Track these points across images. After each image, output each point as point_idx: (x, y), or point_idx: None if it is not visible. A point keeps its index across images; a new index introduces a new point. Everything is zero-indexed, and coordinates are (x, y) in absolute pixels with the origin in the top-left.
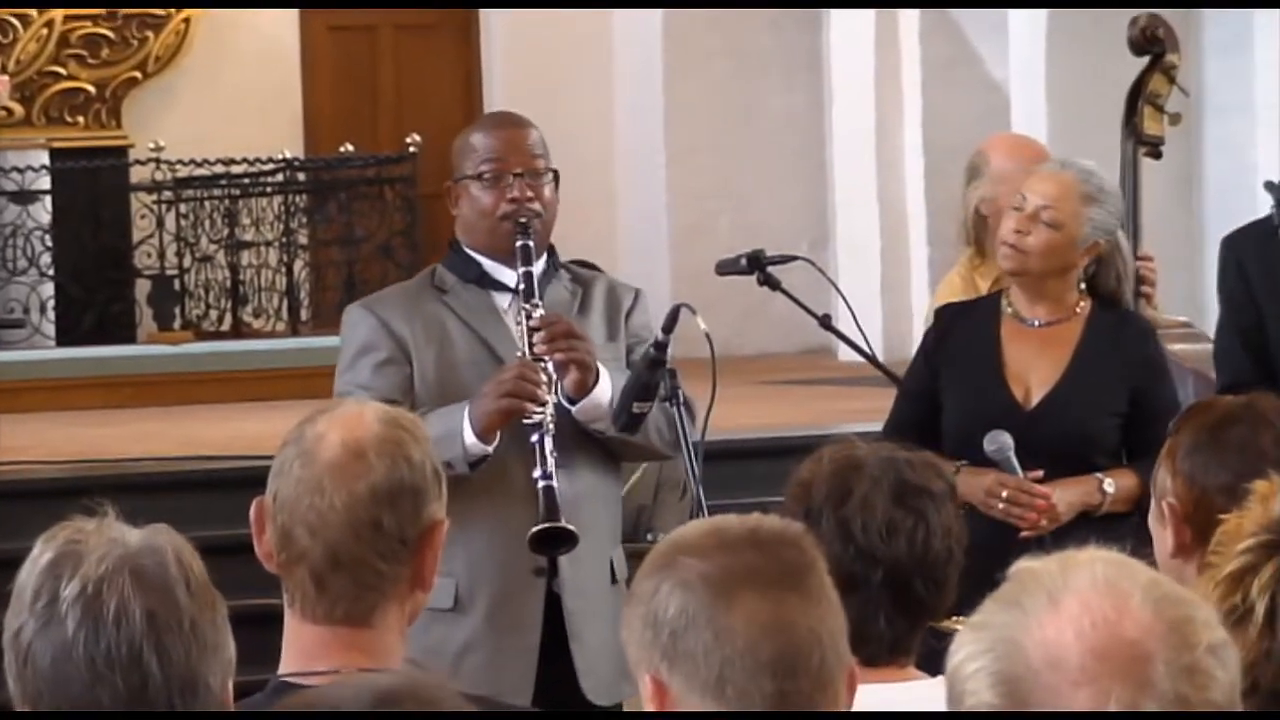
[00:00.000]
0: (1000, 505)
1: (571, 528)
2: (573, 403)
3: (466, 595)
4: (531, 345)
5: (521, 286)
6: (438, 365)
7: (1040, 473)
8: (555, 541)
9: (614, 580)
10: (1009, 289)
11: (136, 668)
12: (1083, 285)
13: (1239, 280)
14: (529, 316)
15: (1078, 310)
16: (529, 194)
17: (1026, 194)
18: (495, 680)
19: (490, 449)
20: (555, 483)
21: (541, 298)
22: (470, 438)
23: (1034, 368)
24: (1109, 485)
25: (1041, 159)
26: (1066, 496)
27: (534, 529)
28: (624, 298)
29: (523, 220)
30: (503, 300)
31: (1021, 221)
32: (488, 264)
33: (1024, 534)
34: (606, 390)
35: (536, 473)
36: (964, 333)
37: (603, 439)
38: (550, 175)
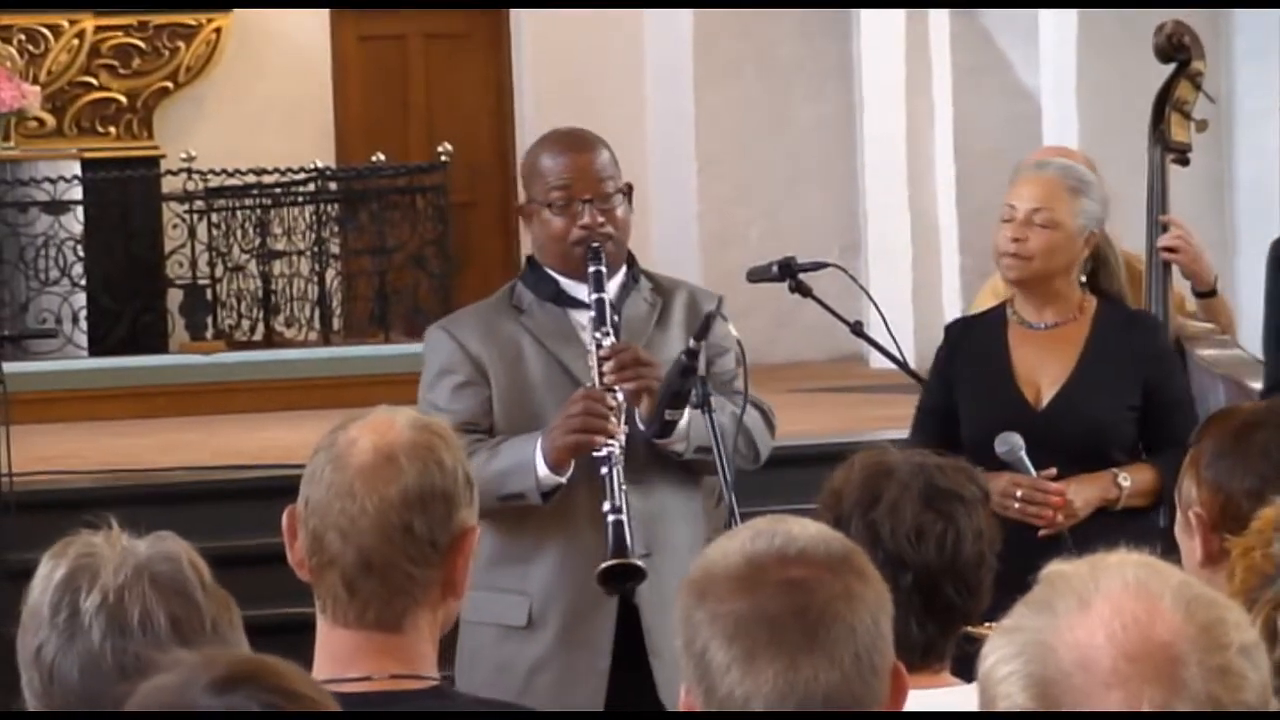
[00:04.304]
0: (1016, 505)
1: (639, 563)
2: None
3: (539, 614)
4: (601, 375)
5: (593, 314)
6: (512, 386)
7: (1054, 471)
8: (623, 576)
9: None
10: (1013, 297)
11: None
12: (1083, 279)
13: None
14: (599, 345)
15: (1083, 308)
16: (600, 219)
17: (1014, 202)
18: (565, 699)
19: (564, 479)
20: (625, 516)
21: (620, 312)
22: (543, 469)
23: (1043, 369)
24: (1124, 480)
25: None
26: (1083, 493)
27: (601, 565)
28: (705, 308)
29: (595, 245)
30: (580, 317)
31: (1017, 229)
32: (564, 282)
33: (1042, 533)
34: (683, 414)
35: (606, 505)
36: (973, 345)
37: (681, 460)
38: (621, 194)
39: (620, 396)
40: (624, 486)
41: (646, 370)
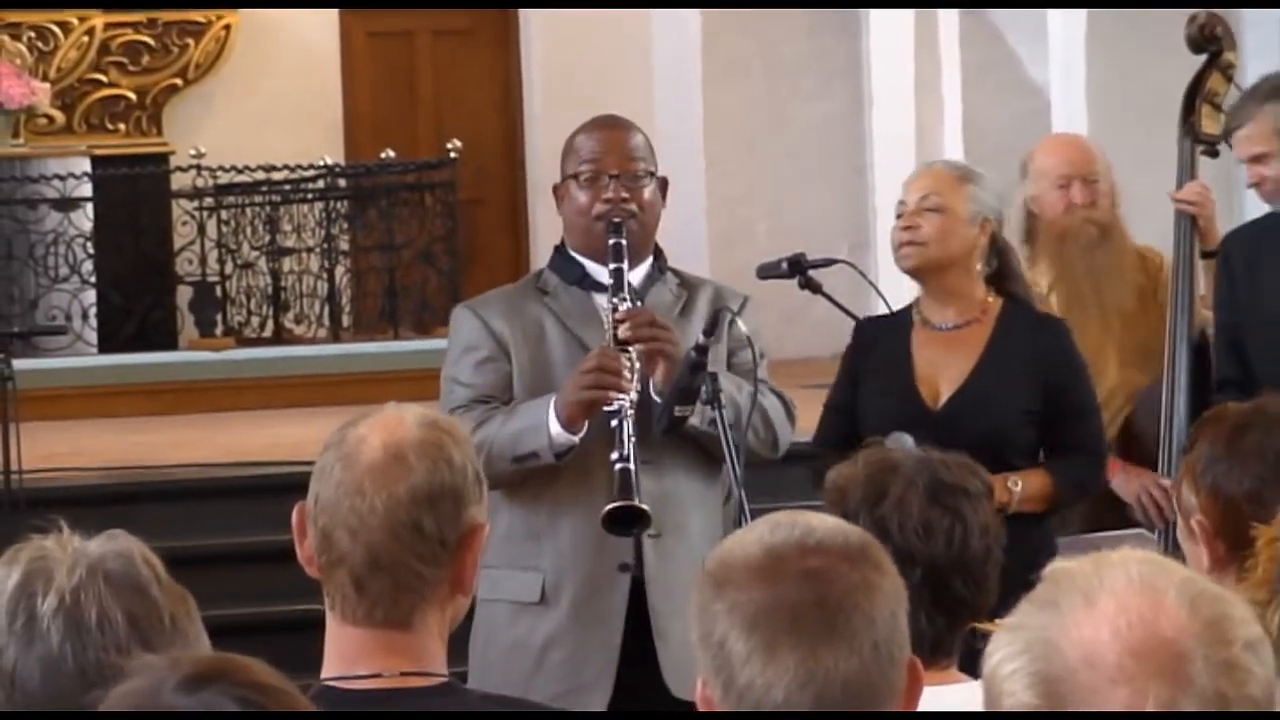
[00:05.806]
0: None
1: (644, 507)
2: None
3: (552, 590)
4: (616, 335)
5: (610, 282)
6: (533, 364)
7: None
8: (628, 522)
9: None
10: (919, 298)
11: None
12: (978, 268)
13: (1225, 278)
14: (615, 309)
15: (986, 309)
16: (624, 195)
17: (904, 198)
18: (576, 675)
19: (577, 439)
20: (633, 465)
21: (644, 300)
22: (556, 428)
23: (942, 370)
24: (1015, 484)
25: (1084, 156)
26: None
27: (606, 507)
28: (730, 304)
29: (616, 220)
30: (604, 301)
31: (908, 219)
32: (590, 265)
33: None
34: (692, 410)
35: (614, 455)
36: (881, 344)
37: (695, 440)
38: (651, 178)
39: (634, 354)
40: (633, 438)
41: (662, 333)
